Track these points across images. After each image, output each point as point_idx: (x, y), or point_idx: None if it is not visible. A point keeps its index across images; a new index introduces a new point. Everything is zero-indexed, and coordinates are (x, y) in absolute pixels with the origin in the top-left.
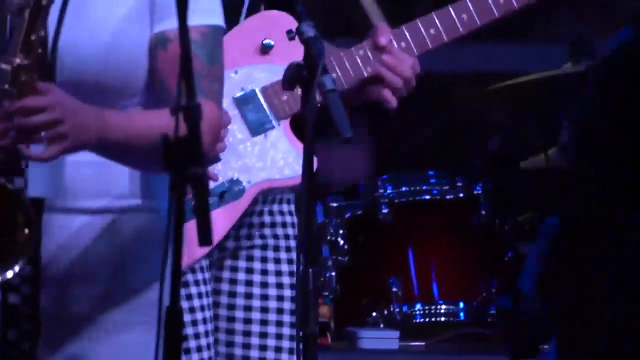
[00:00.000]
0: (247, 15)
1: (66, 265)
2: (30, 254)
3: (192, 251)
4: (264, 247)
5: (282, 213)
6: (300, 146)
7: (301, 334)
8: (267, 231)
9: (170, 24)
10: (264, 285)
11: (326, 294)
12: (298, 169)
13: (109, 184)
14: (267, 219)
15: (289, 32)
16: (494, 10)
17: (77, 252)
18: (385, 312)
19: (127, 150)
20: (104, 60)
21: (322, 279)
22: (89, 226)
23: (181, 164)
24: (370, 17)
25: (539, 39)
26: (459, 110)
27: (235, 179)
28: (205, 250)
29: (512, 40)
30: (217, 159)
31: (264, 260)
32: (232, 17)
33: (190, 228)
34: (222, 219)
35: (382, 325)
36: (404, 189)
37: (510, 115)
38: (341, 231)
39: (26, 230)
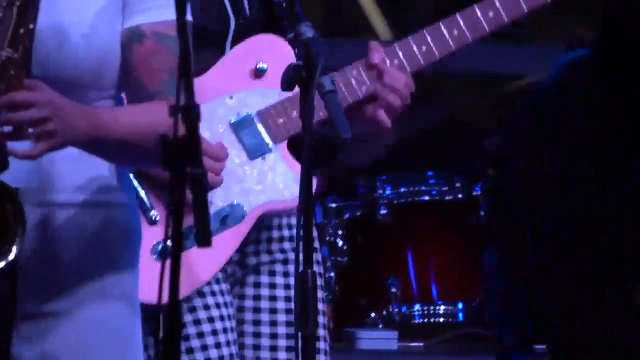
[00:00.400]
0: (232, 41)
1: (36, 258)
2: (20, 245)
3: (196, 276)
4: (285, 262)
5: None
6: (298, 168)
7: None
8: (287, 245)
9: (145, 17)
10: (288, 299)
11: (325, 294)
12: (297, 191)
13: (78, 178)
14: (285, 232)
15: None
16: (484, 25)
17: (46, 246)
18: (384, 312)
19: (118, 148)
20: (80, 55)
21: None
22: (58, 220)
23: (180, 163)
24: (369, 17)
25: (540, 40)
26: (457, 111)
27: (236, 203)
28: (210, 274)
29: (513, 41)
30: (218, 183)
31: (286, 274)
32: (217, 43)
33: (190, 255)
34: (225, 243)
35: (380, 326)
36: (402, 189)
37: (508, 115)
38: (340, 232)
39: (14, 219)
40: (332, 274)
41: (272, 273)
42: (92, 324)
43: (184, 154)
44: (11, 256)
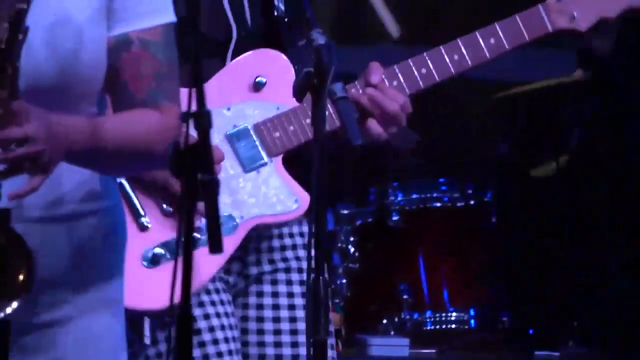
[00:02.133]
0: (233, 52)
1: None
2: (27, 294)
3: (198, 276)
4: (287, 270)
5: (302, 235)
6: (292, 183)
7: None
8: (289, 253)
9: (132, 25)
10: (291, 307)
11: (337, 301)
12: (290, 205)
13: (62, 191)
14: (287, 241)
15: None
16: (485, 51)
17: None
18: (396, 319)
19: (108, 159)
20: (67, 65)
21: (332, 287)
22: (46, 233)
23: (191, 171)
24: (382, 21)
25: (548, 45)
26: (467, 117)
27: (227, 215)
28: (211, 273)
29: (525, 47)
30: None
31: (288, 283)
32: (218, 53)
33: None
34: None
35: (392, 333)
36: (414, 196)
37: (519, 122)
38: (352, 238)
39: (22, 275)
40: (344, 281)
41: (274, 282)
42: (83, 332)
43: (196, 161)
44: (14, 304)
